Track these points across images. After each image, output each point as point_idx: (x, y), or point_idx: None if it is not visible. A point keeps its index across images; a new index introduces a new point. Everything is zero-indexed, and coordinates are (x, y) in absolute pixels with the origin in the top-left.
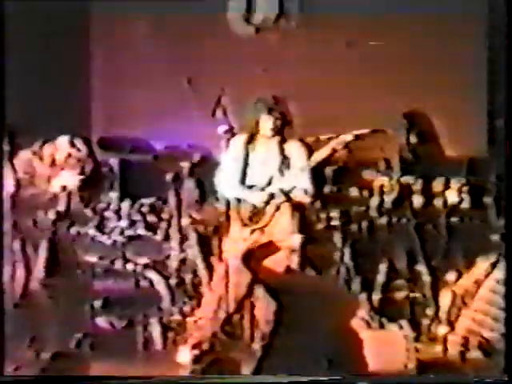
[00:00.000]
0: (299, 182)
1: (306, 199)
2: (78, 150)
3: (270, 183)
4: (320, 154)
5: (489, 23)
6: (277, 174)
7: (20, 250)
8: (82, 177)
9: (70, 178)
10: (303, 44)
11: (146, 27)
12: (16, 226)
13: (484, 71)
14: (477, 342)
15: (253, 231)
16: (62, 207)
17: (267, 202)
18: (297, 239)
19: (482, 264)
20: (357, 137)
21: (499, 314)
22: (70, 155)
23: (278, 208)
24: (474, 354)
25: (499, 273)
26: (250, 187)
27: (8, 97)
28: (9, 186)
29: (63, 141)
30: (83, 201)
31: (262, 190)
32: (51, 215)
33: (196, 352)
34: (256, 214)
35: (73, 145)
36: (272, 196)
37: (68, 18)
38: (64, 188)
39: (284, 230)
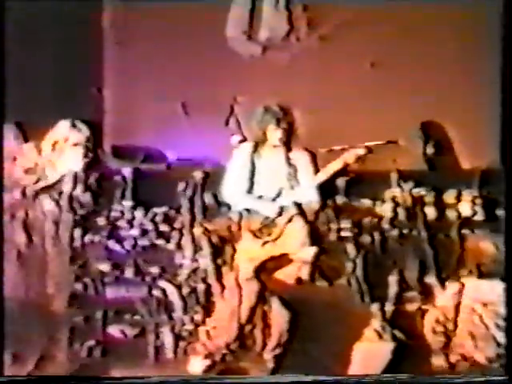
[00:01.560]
0: (308, 195)
1: (315, 210)
2: (79, 130)
3: (279, 195)
4: (331, 167)
5: (502, 36)
6: (286, 186)
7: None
8: (86, 159)
9: (73, 161)
10: (313, 57)
11: (157, 38)
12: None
13: (498, 84)
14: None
15: (265, 243)
16: (67, 189)
17: (279, 214)
18: (310, 251)
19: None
20: (369, 150)
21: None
22: (69, 140)
23: (289, 220)
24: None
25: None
26: (260, 197)
27: (18, 104)
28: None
29: (64, 124)
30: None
31: (273, 201)
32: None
33: (208, 362)
34: (266, 225)
35: (74, 127)
36: (283, 208)
37: (81, 26)
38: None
39: (296, 242)
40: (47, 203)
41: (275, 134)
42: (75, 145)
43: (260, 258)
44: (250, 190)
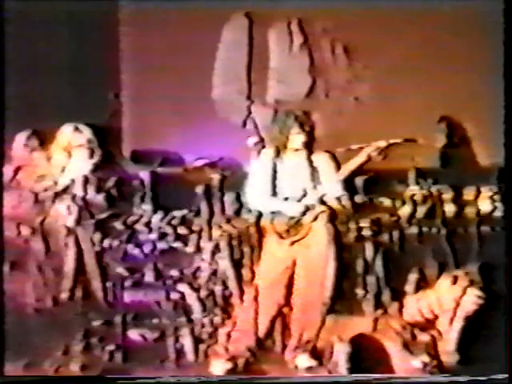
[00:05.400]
0: (332, 193)
1: (339, 207)
2: (81, 132)
3: (304, 195)
4: (354, 162)
5: None
6: (310, 186)
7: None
8: (93, 160)
9: (80, 163)
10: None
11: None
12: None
13: None
14: None
15: (292, 243)
16: (79, 193)
17: (304, 213)
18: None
19: None
20: (390, 143)
21: None
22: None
23: (315, 218)
24: None
25: None
26: (285, 200)
27: (32, 112)
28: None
29: (67, 128)
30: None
31: (298, 201)
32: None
33: (230, 365)
34: (293, 226)
35: (76, 129)
36: (309, 207)
37: (97, 32)
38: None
39: (322, 242)
40: (61, 209)
41: (298, 138)
42: (79, 146)
43: (286, 260)
44: (273, 194)
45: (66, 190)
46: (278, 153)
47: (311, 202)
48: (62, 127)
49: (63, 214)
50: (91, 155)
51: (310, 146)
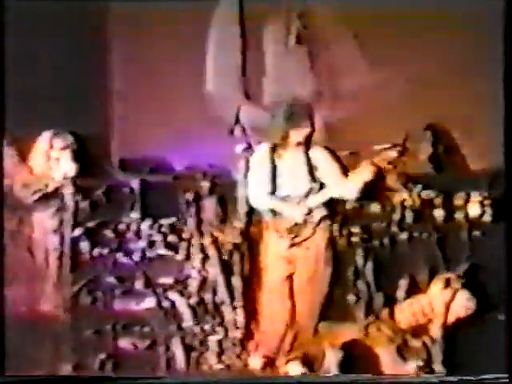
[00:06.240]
0: (344, 194)
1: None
2: (63, 138)
3: (307, 196)
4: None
5: (505, 37)
6: (313, 186)
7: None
8: (78, 164)
9: (65, 166)
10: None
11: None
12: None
13: (501, 85)
14: None
15: (292, 245)
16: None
17: (305, 220)
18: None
19: None
20: (402, 153)
21: None
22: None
23: (319, 222)
24: None
25: None
26: (284, 198)
27: (19, 121)
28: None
29: (46, 135)
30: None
31: (299, 202)
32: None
33: (265, 360)
34: (295, 225)
35: (56, 135)
36: (311, 210)
37: (87, 40)
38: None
39: (319, 246)
40: (47, 214)
41: (303, 132)
42: (62, 149)
43: (287, 260)
44: (273, 191)
45: (52, 195)
46: (275, 148)
47: (312, 201)
48: (43, 133)
49: (48, 221)
50: (75, 158)
51: (309, 142)
